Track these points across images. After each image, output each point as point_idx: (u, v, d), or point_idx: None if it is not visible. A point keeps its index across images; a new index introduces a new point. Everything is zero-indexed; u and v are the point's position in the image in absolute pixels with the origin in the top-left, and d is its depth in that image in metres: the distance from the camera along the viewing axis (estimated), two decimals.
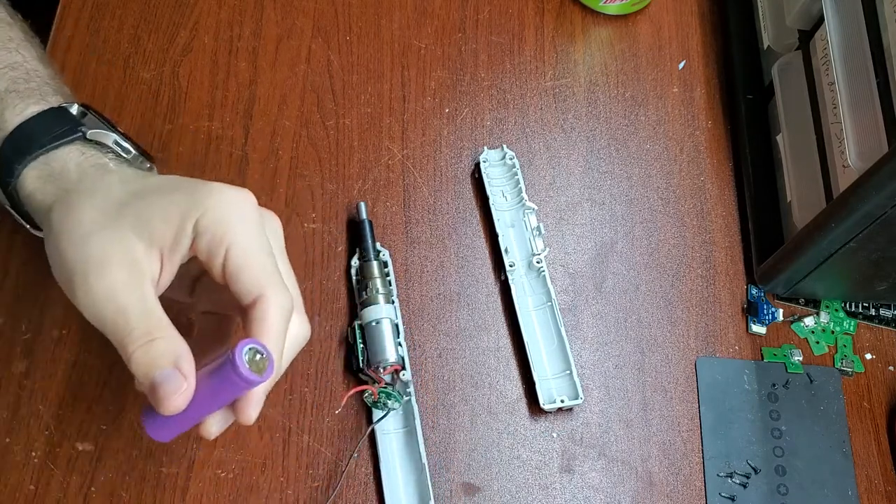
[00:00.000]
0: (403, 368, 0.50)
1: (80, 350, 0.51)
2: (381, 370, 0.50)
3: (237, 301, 0.37)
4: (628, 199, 0.60)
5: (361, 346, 0.51)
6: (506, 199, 0.58)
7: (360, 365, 0.50)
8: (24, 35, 0.47)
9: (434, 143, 0.60)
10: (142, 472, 0.48)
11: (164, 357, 0.35)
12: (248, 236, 0.37)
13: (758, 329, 0.57)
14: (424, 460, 0.49)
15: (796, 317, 0.58)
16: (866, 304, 0.58)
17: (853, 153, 0.47)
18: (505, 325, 0.55)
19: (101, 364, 0.50)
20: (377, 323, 0.50)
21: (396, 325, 0.52)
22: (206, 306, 0.43)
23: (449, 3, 0.65)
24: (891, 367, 0.57)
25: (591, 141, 0.62)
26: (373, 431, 0.50)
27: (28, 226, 0.45)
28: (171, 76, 0.59)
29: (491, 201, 0.57)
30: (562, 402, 0.52)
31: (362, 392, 0.50)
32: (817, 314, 0.58)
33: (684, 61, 0.65)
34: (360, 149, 0.59)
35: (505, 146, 0.59)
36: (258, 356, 0.35)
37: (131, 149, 0.45)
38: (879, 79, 0.47)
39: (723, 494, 0.52)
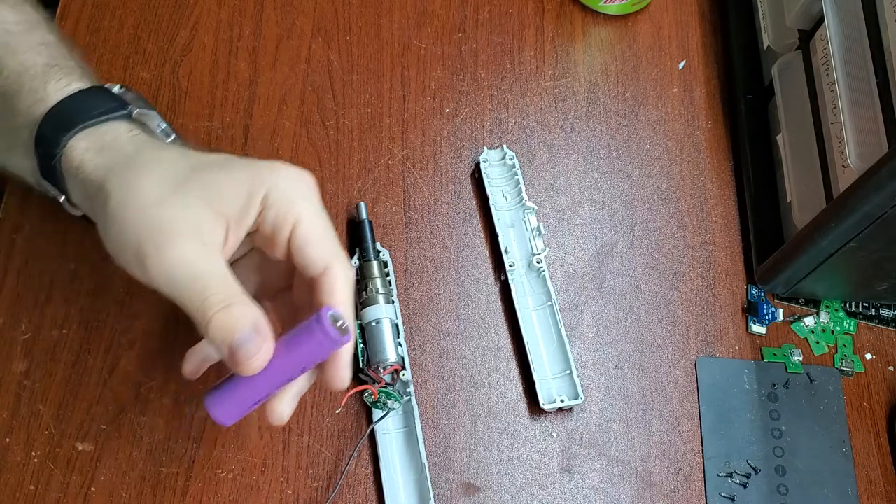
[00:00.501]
0: (403, 368, 0.50)
1: (80, 350, 0.51)
2: (381, 370, 0.50)
3: (276, 284, 0.41)
4: (628, 199, 0.60)
5: (361, 346, 0.51)
6: (506, 199, 0.58)
7: (360, 365, 0.50)
8: (49, 18, 0.47)
9: (434, 143, 0.60)
10: (142, 472, 0.48)
11: (242, 320, 0.36)
12: (314, 212, 0.38)
13: (758, 329, 0.57)
14: (424, 460, 0.49)
15: (796, 317, 0.58)
16: (866, 304, 0.58)
17: (853, 153, 0.47)
18: (505, 325, 0.55)
19: (101, 364, 0.50)
20: (377, 323, 0.50)
21: (396, 325, 0.52)
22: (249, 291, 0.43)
23: (449, 3, 0.65)
24: (891, 367, 0.57)
25: (591, 141, 0.62)
26: (373, 431, 0.50)
27: (63, 200, 0.44)
28: (171, 76, 0.59)
29: (491, 201, 0.57)
30: (562, 401, 0.52)
31: (362, 392, 0.50)
32: (817, 314, 0.58)
33: (684, 61, 0.65)
34: (360, 149, 0.59)
35: (505, 146, 0.59)
36: (339, 322, 0.37)
37: (172, 132, 0.46)
38: (879, 79, 0.47)
39: (723, 494, 0.52)
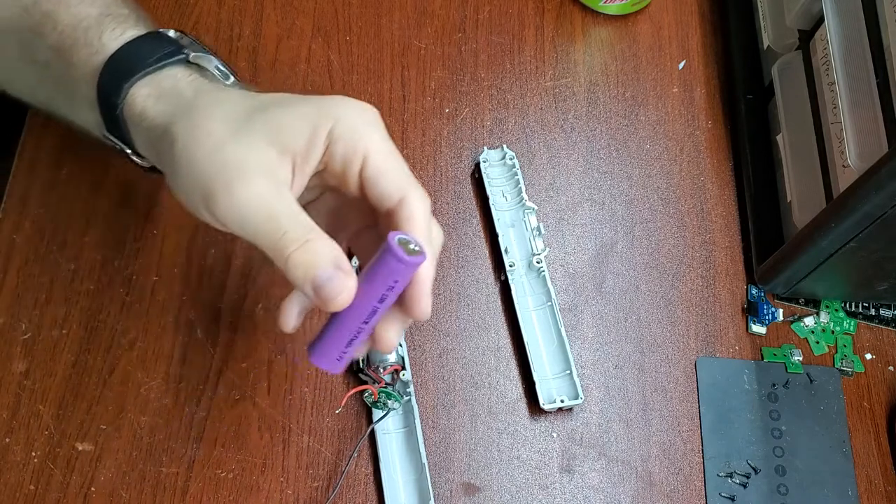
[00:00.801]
0: (403, 368, 0.50)
1: (80, 350, 0.51)
2: (381, 370, 0.50)
3: (353, 224, 0.40)
4: (628, 199, 0.60)
5: None
6: (506, 199, 0.58)
7: (360, 365, 0.50)
8: None
9: (434, 143, 0.60)
10: (142, 472, 0.48)
11: (322, 256, 0.35)
12: (383, 142, 0.37)
13: (758, 329, 0.57)
14: (424, 460, 0.49)
15: (796, 317, 0.58)
16: (866, 304, 0.58)
17: (853, 153, 0.47)
18: (505, 325, 0.55)
19: (101, 364, 0.51)
20: None
21: None
22: None
23: (449, 3, 0.65)
24: (891, 367, 0.57)
25: (591, 141, 0.62)
26: (373, 431, 0.50)
27: (128, 151, 0.44)
28: None
29: (491, 201, 0.57)
30: (562, 401, 0.52)
31: (362, 392, 0.50)
32: (817, 314, 0.58)
33: (684, 61, 0.65)
34: None
35: (505, 146, 0.59)
36: (410, 245, 0.35)
37: (230, 74, 0.45)
38: (879, 79, 0.47)
39: (723, 494, 0.52)
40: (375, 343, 0.38)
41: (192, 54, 0.43)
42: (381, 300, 0.36)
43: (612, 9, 0.65)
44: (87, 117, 0.44)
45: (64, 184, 0.55)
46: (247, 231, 0.36)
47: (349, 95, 0.42)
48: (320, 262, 0.35)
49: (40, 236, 0.53)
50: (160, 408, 0.50)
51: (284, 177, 0.37)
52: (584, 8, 0.66)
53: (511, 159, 0.58)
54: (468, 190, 0.59)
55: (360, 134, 0.37)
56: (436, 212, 0.58)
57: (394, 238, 0.35)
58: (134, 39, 0.42)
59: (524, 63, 0.64)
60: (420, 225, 0.37)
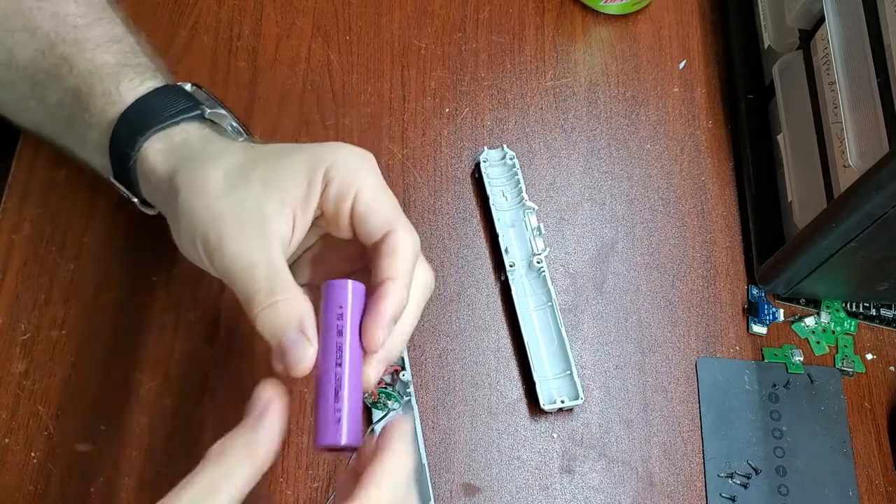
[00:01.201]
0: (403, 369, 0.50)
1: (80, 350, 0.51)
2: None
3: (348, 267, 0.40)
4: (629, 198, 0.60)
5: None
6: (506, 199, 0.58)
7: None
8: (112, 6, 0.48)
9: (434, 143, 0.60)
10: (141, 473, 0.48)
11: (287, 320, 0.35)
12: (375, 182, 0.38)
13: (758, 329, 0.57)
14: (424, 461, 0.49)
15: (797, 317, 0.58)
16: (867, 304, 0.58)
17: (854, 153, 0.47)
18: (505, 325, 0.55)
19: (101, 364, 0.50)
20: None
21: None
22: (302, 280, 0.43)
23: (449, 2, 0.65)
24: (892, 368, 0.57)
25: (592, 141, 0.62)
26: (372, 432, 0.50)
27: (135, 200, 0.45)
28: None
29: (491, 201, 0.57)
30: (562, 402, 0.52)
31: None
32: (818, 314, 0.58)
33: (685, 61, 0.65)
34: None
35: (505, 146, 0.59)
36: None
37: (243, 131, 0.46)
38: (880, 78, 0.47)
39: (723, 495, 0.52)
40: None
41: (209, 111, 0.44)
42: (339, 333, 0.35)
43: (612, 8, 0.65)
44: (96, 160, 0.45)
45: (63, 184, 0.55)
46: (229, 280, 0.37)
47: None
48: (285, 326, 0.35)
49: (39, 237, 0.53)
50: (160, 408, 0.50)
51: (278, 228, 0.37)
52: (585, 7, 0.66)
53: (511, 159, 0.58)
54: (468, 190, 0.59)
55: (353, 174, 0.38)
56: (436, 212, 0.58)
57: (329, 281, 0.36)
58: (151, 92, 0.43)
59: (524, 63, 0.64)
60: (402, 260, 0.37)
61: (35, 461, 0.48)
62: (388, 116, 0.60)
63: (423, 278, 0.39)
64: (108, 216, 0.54)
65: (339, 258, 0.42)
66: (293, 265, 0.42)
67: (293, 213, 0.37)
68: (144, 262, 0.53)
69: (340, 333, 0.36)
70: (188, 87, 0.45)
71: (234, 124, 0.46)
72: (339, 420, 0.35)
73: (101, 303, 0.52)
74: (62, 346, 0.51)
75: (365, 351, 0.36)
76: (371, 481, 0.33)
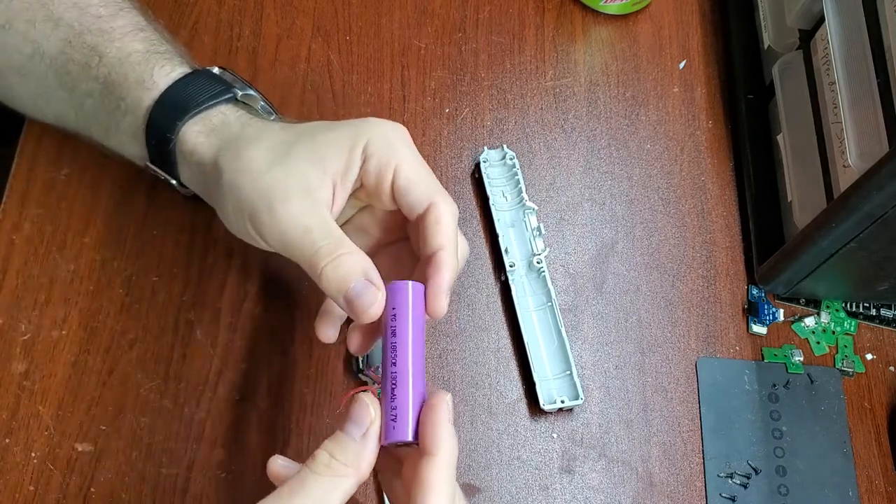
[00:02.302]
0: None
1: (80, 350, 0.51)
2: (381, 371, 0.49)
3: (388, 237, 0.43)
4: (629, 199, 0.60)
5: None
6: (506, 199, 0.58)
7: (360, 365, 0.50)
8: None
9: (434, 143, 0.60)
10: (141, 473, 0.48)
11: (353, 270, 0.37)
12: (413, 156, 0.40)
13: (758, 329, 0.57)
14: None
15: (797, 317, 0.58)
16: (867, 305, 0.58)
17: (854, 153, 0.47)
18: (505, 325, 0.55)
19: (101, 364, 0.50)
20: None
21: None
22: None
23: (449, 2, 0.65)
24: (892, 368, 0.57)
25: (592, 141, 0.62)
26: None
27: (174, 182, 0.46)
28: None
29: (491, 201, 0.57)
30: (562, 402, 0.52)
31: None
32: (818, 314, 0.58)
33: (685, 61, 0.65)
34: None
35: (505, 146, 0.59)
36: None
37: (273, 110, 0.48)
38: (880, 78, 0.47)
39: (723, 495, 0.52)
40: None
41: (241, 93, 0.45)
42: (393, 333, 0.37)
43: (612, 8, 0.65)
44: (127, 148, 0.46)
45: (64, 184, 0.55)
46: (286, 248, 0.38)
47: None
48: (351, 275, 0.37)
49: (40, 237, 0.53)
50: (160, 408, 0.50)
51: (323, 196, 0.39)
52: (585, 7, 0.66)
53: (511, 159, 0.58)
54: (468, 190, 0.59)
55: (392, 148, 0.40)
56: None
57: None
58: (184, 77, 0.44)
59: (524, 63, 0.64)
60: (446, 227, 0.39)
61: (35, 461, 0.48)
62: (388, 116, 0.60)
63: (461, 244, 0.42)
64: (109, 216, 0.54)
65: (379, 229, 0.44)
66: None
67: (333, 184, 0.39)
68: (144, 261, 0.53)
69: (394, 334, 0.37)
70: (216, 70, 0.46)
71: (264, 104, 0.47)
72: (394, 418, 0.36)
73: (101, 303, 0.52)
74: (62, 346, 0.51)
75: (432, 316, 0.38)
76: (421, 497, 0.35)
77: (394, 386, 0.37)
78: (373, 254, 0.42)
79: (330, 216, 0.39)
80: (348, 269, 0.37)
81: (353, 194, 0.41)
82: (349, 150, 0.39)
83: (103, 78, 0.45)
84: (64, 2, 0.46)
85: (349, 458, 0.36)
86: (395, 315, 0.37)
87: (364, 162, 0.40)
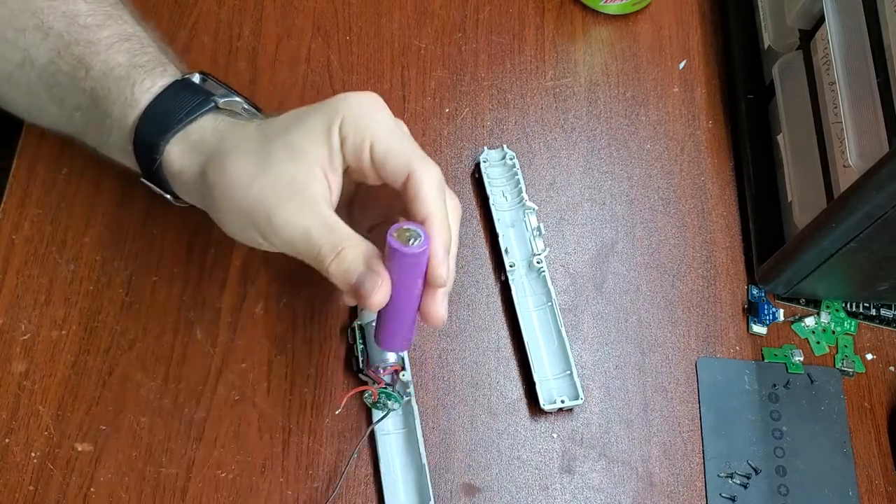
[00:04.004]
0: (403, 369, 0.50)
1: (80, 350, 0.51)
2: (381, 371, 0.49)
3: (391, 198, 0.42)
4: (629, 199, 0.60)
5: (361, 346, 0.51)
6: (506, 199, 0.58)
7: (360, 365, 0.50)
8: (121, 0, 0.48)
9: (434, 143, 0.60)
10: (141, 473, 0.48)
11: (355, 262, 0.38)
12: (384, 125, 0.40)
13: (758, 329, 0.57)
14: (424, 461, 0.49)
15: (797, 317, 0.58)
16: (867, 305, 0.58)
17: (854, 153, 0.47)
18: (505, 325, 0.55)
19: (101, 364, 0.50)
20: None
21: None
22: (371, 220, 0.45)
23: (449, 2, 0.65)
24: (892, 368, 0.57)
25: (592, 141, 0.62)
26: (373, 432, 0.50)
27: (168, 197, 0.47)
28: None
29: (491, 201, 0.57)
30: (562, 402, 0.52)
31: (362, 393, 0.50)
32: (818, 314, 0.58)
33: (685, 61, 0.65)
34: None
35: (505, 146, 0.59)
36: (408, 234, 0.38)
37: (256, 111, 0.47)
38: (880, 78, 0.47)
39: (723, 495, 0.52)
40: (425, 320, 0.41)
41: (221, 101, 0.44)
42: (405, 288, 0.39)
43: (612, 8, 0.65)
44: (120, 161, 0.47)
45: (64, 184, 0.55)
46: (290, 251, 0.39)
47: (299, 112, 0.43)
48: (353, 268, 0.38)
49: (40, 237, 0.53)
50: (160, 408, 0.50)
51: (316, 191, 0.39)
52: (585, 7, 0.66)
53: (511, 159, 0.58)
54: (468, 190, 0.59)
55: (364, 121, 0.39)
56: None
57: (392, 233, 0.37)
58: (163, 93, 0.44)
59: (524, 63, 0.64)
60: (427, 198, 0.39)
61: (35, 461, 0.48)
62: None
63: (451, 205, 0.41)
64: (109, 216, 0.54)
65: (380, 201, 0.44)
66: (342, 215, 0.44)
67: (324, 173, 0.39)
68: (144, 261, 0.53)
69: (408, 288, 0.39)
70: (196, 78, 0.46)
71: (246, 107, 0.46)
72: (405, 339, 0.43)
73: (101, 303, 0.52)
74: (62, 346, 0.51)
75: (431, 286, 0.40)
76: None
77: (403, 322, 0.41)
78: (384, 224, 0.43)
79: (327, 209, 0.39)
80: (349, 263, 0.38)
81: (346, 173, 0.41)
82: (326, 137, 0.39)
83: (90, 91, 0.44)
84: (54, 10, 0.45)
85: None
86: (409, 273, 0.39)
87: (342, 143, 0.39)
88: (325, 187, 0.39)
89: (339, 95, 0.40)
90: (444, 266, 0.39)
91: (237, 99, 0.46)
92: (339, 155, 0.39)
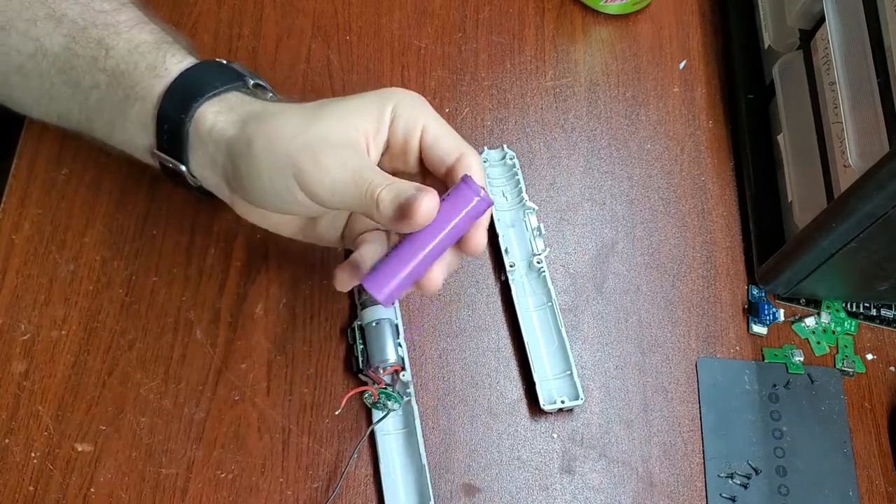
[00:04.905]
0: (403, 369, 0.50)
1: (80, 350, 0.51)
2: (381, 371, 0.49)
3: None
4: (629, 199, 0.60)
5: (361, 346, 0.51)
6: (506, 199, 0.58)
7: (360, 366, 0.50)
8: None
9: None
10: (141, 473, 0.48)
11: (407, 186, 0.39)
12: (438, 117, 0.42)
13: (759, 329, 0.57)
14: (424, 461, 0.49)
15: (797, 317, 0.58)
16: (867, 305, 0.58)
17: (854, 153, 0.47)
18: (505, 325, 0.55)
19: (101, 364, 0.50)
20: (377, 323, 0.50)
21: (396, 326, 0.52)
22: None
23: (449, 2, 0.65)
24: (892, 368, 0.57)
25: (592, 141, 0.62)
26: (373, 432, 0.50)
27: (183, 169, 0.45)
28: None
29: None
30: (562, 402, 0.52)
31: (362, 393, 0.50)
32: (818, 314, 0.58)
33: (685, 61, 0.65)
34: None
35: (505, 146, 0.59)
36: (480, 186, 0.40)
37: (281, 99, 0.48)
38: (880, 78, 0.47)
39: (724, 495, 0.52)
40: (423, 283, 0.41)
41: (252, 81, 0.46)
42: (450, 239, 0.39)
43: (612, 8, 0.65)
44: (134, 138, 0.46)
45: (63, 184, 0.55)
46: (335, 194, 0.39)
47: (349, 96, 0.43)
48: (405, 188, 0.38)
49: (39, 237, 0.53)
50: (160, 408, 0.50)
51: (363, 148, 0.41)
52: (585, 7, 0.66)
53: (511, 159, 0.58)
54: None
55: (418, 109, 0.42)
56: None
57: (468, 176, 0.39)
58: (197, 64, 0.45)
59: (524, 63, 0.64)
60: (479, 174, 0.41)
61: (35, 461, 0.48)
62: None
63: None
64: (108, 216, 0.54)
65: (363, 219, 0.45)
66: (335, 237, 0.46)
67: (366, 142, 0.41)
68: (144, 262, 0.53)
69: (452, 230, 0.40)
70: (224, 62, 0.47)
71: (273, 94, 0.47)
72: (396, 288, 0.40)
73: (101, 303, 0.52)
74: (62, 346, 0.51)
75: (467, 253, 0.41)
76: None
77: (414, 267, 0.39)
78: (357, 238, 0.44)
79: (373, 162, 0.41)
80: (402, 186, 0.39)
81: (379, 161, 0.43)
82: (378, 114, 0.41)
83: (111, 70, 0.45)
84: None
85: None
86: (464, 217, 0.39)
87: (392, 123, 0.41)
88: (367, 151, 0.41)
89: (391, 87, 0.43)
90: (485, 236, 0.41)
91: (265, 85, 0.47)
92: (386, 132, 0.41)
